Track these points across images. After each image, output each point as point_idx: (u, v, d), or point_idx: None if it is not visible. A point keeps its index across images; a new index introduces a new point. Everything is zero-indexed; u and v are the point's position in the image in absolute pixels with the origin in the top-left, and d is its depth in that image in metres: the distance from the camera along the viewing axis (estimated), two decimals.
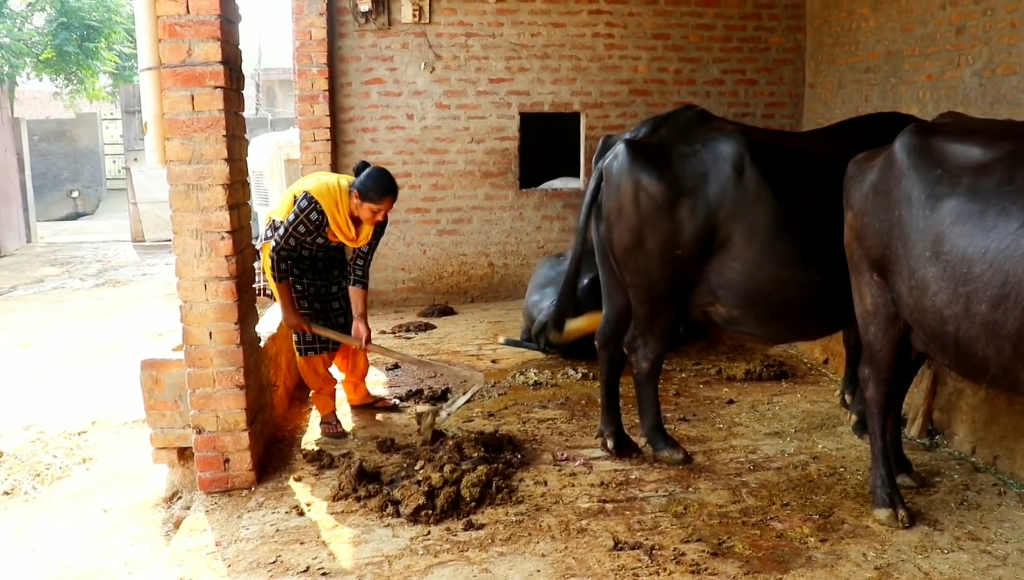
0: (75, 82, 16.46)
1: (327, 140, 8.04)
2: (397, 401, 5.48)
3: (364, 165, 4.89)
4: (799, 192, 4.08)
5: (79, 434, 5.73)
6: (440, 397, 5.58)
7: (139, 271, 12.90)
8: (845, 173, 3.87)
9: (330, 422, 5.07)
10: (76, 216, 21.61)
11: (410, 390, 5.76)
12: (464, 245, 8.59)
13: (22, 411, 6.24)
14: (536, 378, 5.95)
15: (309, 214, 4.69)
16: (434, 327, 7.59)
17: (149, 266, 13.34)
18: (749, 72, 8.65)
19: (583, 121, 8.56)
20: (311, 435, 5.01)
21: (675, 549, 3.57)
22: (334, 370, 5.26)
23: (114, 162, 23.68)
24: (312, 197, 4.70)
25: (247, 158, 4.48)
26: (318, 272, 5.02)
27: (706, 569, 3.42)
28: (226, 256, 4.08)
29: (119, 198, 20.31)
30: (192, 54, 3.94)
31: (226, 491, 4.24)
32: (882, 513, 3.80)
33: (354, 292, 4.97)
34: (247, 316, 4.32)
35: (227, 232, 4.07)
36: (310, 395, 5.31)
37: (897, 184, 3.50)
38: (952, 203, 3.26)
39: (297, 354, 5.08)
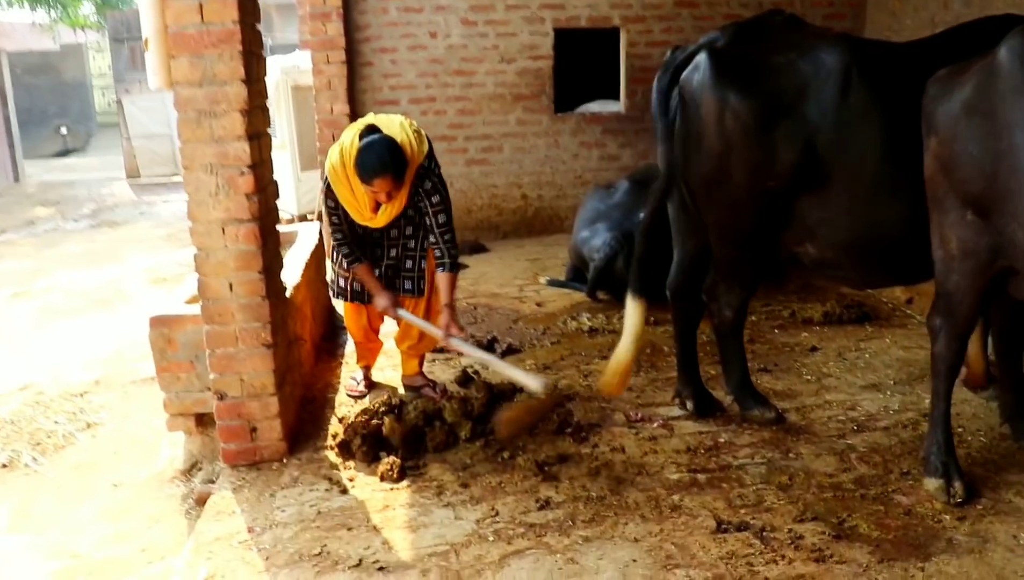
0: (57, 10, 15.85)
1: (342, 62, 7.43)
2: (445, 388, 4.50)
3: (368, 130, 3.92)
4: (917, 114, 3.45)
5: (81, 395, 5.34)
6: (508, 351, 5.08)
7: (136, 210, 12.47)
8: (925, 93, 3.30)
9: (355, 378, 4.62)
10: (66, 152, 21.11)
11: (479, 342, 5.10)
12: (495, 176, 8.04)
13: (18, 369, 5.82)
14: (590, 323, 5.47)
15: (327, 202, 4.07)
16: (466, 266, 7.08)
17: (146, 205, 12.90)
18: None
19: (623, 37, 7.92)
20: (344, 394, 4.56)
21: (790, 531, 3.12)
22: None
23: (103, 95, 23.10)
24: (326, 179, 4.05)
25: (265, 80, 3.95)
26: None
27: (831, 556, 2.97)
28: (247, 194, 3.55)
29: (110, 133, 19.82)
30: None
31: (254, 464, 3.79)
32: (932, 483, 3.37)
33: (439, 278, 4.17)
34: (272, 264, 3.83)
35: (247, 166, 3.53)
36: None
37: (1005, 102, 2.93)
38: None
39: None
